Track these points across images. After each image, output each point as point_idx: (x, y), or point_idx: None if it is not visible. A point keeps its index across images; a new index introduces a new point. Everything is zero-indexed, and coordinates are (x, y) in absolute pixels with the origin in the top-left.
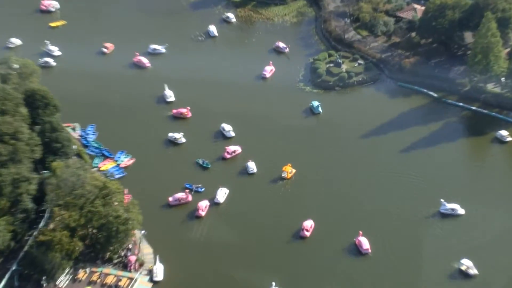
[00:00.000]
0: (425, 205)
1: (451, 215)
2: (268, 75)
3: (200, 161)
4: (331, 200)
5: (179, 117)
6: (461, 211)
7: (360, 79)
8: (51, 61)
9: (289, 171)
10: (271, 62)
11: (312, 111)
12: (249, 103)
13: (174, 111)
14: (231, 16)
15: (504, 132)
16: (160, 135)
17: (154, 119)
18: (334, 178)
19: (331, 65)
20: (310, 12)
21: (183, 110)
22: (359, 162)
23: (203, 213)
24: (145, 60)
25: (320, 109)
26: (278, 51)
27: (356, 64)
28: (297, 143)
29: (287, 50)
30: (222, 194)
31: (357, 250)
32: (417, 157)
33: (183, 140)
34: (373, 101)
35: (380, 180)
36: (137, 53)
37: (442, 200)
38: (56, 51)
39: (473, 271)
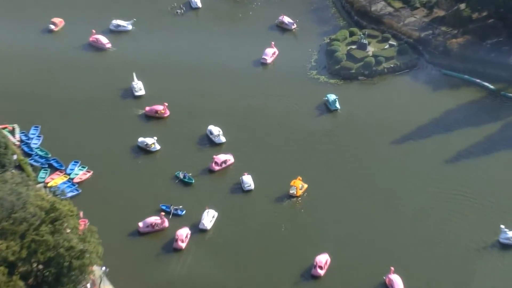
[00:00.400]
0: (480, 232)
1: None
2: (269, 60)
3: (181, 175)
4: (352, 226)
5: (153, 117)
6: None
7: (392, 65)
8: None
9: (299, 186)
10: (273, 43)
11: (327, 108)
12: (244, 97)
13: (147, 108)
14: None
15: None
16: (127, 140)
17: (118, 119)
18: (357, 197)
19: (353, 47)
20: None
21: (159, 108)
22: (389, 175)
23: (183, 244)
24: (104, 40)
25: (337, 105)
26: (282, 28)
27: (387, 46)
28: (309, 150)
29: (294, 26)
30: (209, 219)
31: None
32: (468, 169)
33: (157, 146)
34: (408, 94)
35: (418, 199)
36: (94, 31)
37: (502, 226)
38: None
39: None
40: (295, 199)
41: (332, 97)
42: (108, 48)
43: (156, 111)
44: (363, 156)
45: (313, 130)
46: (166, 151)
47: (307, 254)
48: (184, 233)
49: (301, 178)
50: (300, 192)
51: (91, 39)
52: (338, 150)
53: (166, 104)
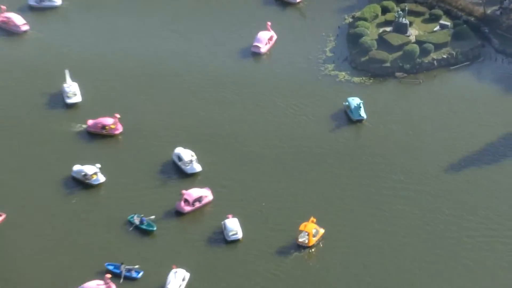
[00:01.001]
0: None
1: None
2: (263, 48)
3: (136, 219)
4: None
5: (98, 134)
6: None
7: (445, 56)
8: None
9: (312, 232)
10: (269, 23)
11: (348, 117)
12: (227, 106)
13: (91, 122)
14: None
15: None
16: (56, 169)
17: (42, 139)
18: (396, 247)
19: (388, 29)
20: None
21: (107, 122)
22: (443, 218)
23: None
24: (18, 20)
25: (362, 113)
26: (282, 2)
27: (437, 28)
28: (322, 180)
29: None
30: (177, 283)
31: None
32: None
33: (101, 178)
34: (469, 98)
35: (487, 259)
36: (3, 7)
37: None
38: None
39: None
40: (306, 251)
41: (355, 101)
42: (24, 31)
43: (104, 126)
44: (403, 188)
45: (327, 150)
46: (114, 184)
47: None
48: None
49: (314, 220)
50: (313, 241)
51: (0, 18)
52: (366, 179)
53: (118, 116)
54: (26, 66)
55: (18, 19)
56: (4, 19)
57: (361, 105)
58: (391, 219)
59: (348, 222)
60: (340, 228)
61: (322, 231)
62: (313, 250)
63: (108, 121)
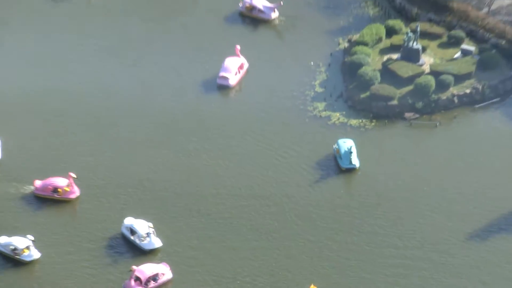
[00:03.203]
0: None
1: None
2: (233, 80)
3: None
4: None
5: (47, 198)
6: None
7: (468, 90)
8: None
9: None
10: (237, 47)
11: (338, 163)
12: (189, 156)
13: (39, 184)
14: None
15: None
16: None
17: None
18: None
19: (395, 56)
20: None
21: (60, 183)
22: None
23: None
24: None
25: (354, 160)
26: (252, 19)
27: (458, 54)
28: (313, 245)
29: (276, 15)
30: None
31: None
32: None
33: (35, 253)
34: (499, 144)
35: None
36: None
37: None
38: None
39: None
40: None
41: (346, 145)
42: None
43: (56, 189)
44: (415, 258)
45: (317, 205)
46: (49, 262)
47: None
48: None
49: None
50: None
51: None
52: (366, 242)
53: (74, 176)
54: None
55: None
56: None
57: (353, 149)
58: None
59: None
60: None
61: None
62: None
63: (60, 182)
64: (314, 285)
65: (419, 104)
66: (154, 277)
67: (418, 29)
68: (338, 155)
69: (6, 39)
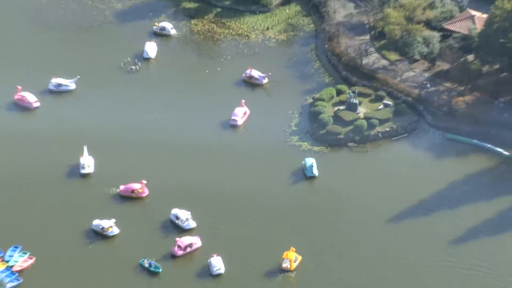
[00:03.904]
0: None
1: None
2: (240, 121)
3: (146, 263)
4: None
5: (127, 196)
6: None
7: (388, 129)
8: None
9: (292, 258)
10: (243, 101)
11: (304, 173)
12: (211, 170)
13: (122, 188)
14: (168, 26)
15: None
16: (79, 222)
17: (66, 199)
18: (352, 268)
19: (342, 108)
20: (307, 24)
21: (135, 186)
22: (383, 258)
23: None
24: (31, 98)
25: (315, 171)
26: (251, 84)
27: (381, 106)
28: (289, 225)
29: (265, 81)
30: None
31: None
32: (477, 252)
33: (116, 230)
34: (407, 164)
35: (416, 284)
36: (19, 87)
37: None
38: None
39: None
40: (288, 274)
41: (309, 161)
42: (36, 107)
43: (133, 190)
44: (354, 237)
45: (291, 202)
46: (125, 236)
47: None
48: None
49: (294, 249)
50: (294, 266)
51: (16, 96)
52: (321, 228)
53: (145, 181)
54: (47, 139)
55: (31, 97)
56: (19, 97)
57: (314, 164)
58: (350, 254)
59: (318, 250)
60: (314, 255)
61: (299, 258)
62: (293, 274)
63: (135, 186)
64: (293, 247)
65: (357, 138)
66: (190, 245)
67: (356, 91)
68: (304, 168)
69: (100, 98)
